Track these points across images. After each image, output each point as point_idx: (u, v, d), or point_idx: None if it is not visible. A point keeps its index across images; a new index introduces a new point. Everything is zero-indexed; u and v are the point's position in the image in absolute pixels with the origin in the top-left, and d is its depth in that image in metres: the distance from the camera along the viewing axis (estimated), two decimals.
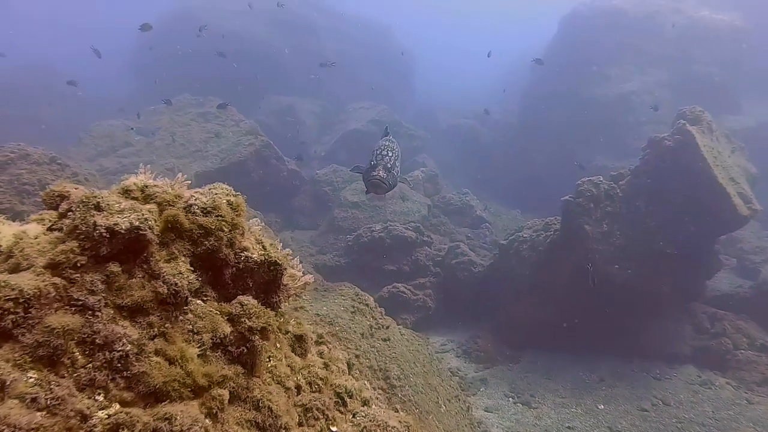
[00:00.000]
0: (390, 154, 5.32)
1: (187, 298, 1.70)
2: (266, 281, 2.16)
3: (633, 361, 10.42)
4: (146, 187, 1.94)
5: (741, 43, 19.54)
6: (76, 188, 1.72)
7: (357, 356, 5.48)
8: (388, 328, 6.20)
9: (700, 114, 10.63)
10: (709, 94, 17.40)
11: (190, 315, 1.73)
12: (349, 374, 2.92)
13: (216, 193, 2.06)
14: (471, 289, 12.11)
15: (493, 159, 22.65)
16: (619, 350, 10.47)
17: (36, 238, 1.55)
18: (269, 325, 1.88)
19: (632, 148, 14.45)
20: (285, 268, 2.24)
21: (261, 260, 2.08)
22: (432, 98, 32.35)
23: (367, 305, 6.24)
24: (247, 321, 1.82)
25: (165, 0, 30.27)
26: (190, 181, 2.31)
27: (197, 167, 14.76)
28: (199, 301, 1.82)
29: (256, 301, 1.93)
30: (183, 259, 1.74)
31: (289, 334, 2.35)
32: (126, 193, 1.85)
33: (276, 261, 2.14)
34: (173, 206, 1.87)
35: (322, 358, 2.83)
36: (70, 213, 1.58)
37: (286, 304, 2.36)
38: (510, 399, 9.47)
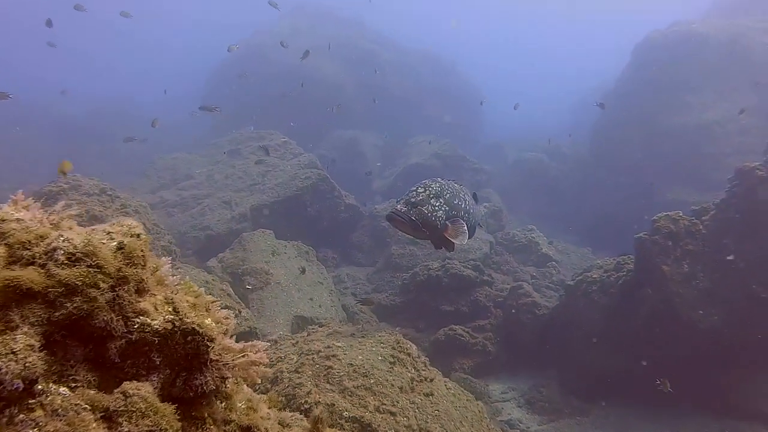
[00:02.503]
0: (421, 190, 4.78)
1: (20, 389, 1.13)
2: (185, 356, 1.54)
3: (722, 421, 9.13)
4: (2, 221, 1.38)
5: None
6: None
7: (393, 414, 4.81)
8: (432, 381, 5.50)
9: None
10: None
11: (38, 412, 1.16)
12: None
13: (107, 232, 1.49)
14: (535, 333, 11.16)
15: (563, 193, 21.59)
16: (706, 407, 9.21)
17: None
18: (161, 428, 1.27)
19: (715, 181, 13.23)
20: (213, 338, 1.61)
21: (166, 329, 1.46)
22: (500, 131, 31.60)
23: (408, 355, 5.57)
24: (125, 424, 1.22)
25: (238, 37, 31.35)
26: (74, 212, 1.75)
27: (254, 200, 14.58)
28: (63, 390, 1.25)
29: (151, 389, 1.33)
30: (28, 329, 1.18)
31: (232, 424, 1.72)
32: None
33: (193, 329, 1.52)
34: (29, 250, 1.32)
35: None
36: None
37: (228, 385, 1.72)
38: None
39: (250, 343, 1.76)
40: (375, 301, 12.21)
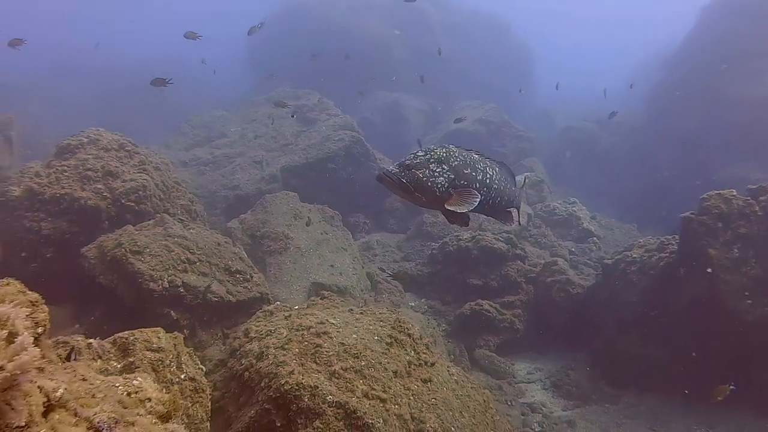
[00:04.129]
0: (421, 154, 4.31)
1: None
2: None
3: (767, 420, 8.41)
4: None
5: None
6: None
7: (383, 401, 4.39)
8: (432, 365, 5.04)
9: None
10: None
11: None
12: None
13: None
14: (567, 313, 10.54)
15: (612, 165, 20.44)
16: (749, 404, 8.45)
17: None
18: None
19: None
20: None
21: None
22: (551, 99, 30.21)
23: (409, 335, 5.11)
24: None
25: None
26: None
27: (284, 161, 14.25)
28: None
29: None
30: None
31: None
32: None
33: None
34: None
35: None
36: None
37: None
38: None
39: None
40: (406, 277, 11.70)
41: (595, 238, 13.68)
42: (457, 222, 4.77)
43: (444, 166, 4.32)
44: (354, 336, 4.83)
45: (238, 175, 14.11)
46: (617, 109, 21.37)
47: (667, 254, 9.23)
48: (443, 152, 4.40)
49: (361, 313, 5.36)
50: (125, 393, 1.88)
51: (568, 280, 10.67)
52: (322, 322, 4.94)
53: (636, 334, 9.30)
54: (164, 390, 2.39)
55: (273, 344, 4.76)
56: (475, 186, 4.55)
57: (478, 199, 4.45)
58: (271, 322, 5.27)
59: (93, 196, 8.11)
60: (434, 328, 9.89)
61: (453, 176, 4.37)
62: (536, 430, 8.36)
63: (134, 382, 2.01)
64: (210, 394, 5.11)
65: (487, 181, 4.63)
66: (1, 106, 22.84)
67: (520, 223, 5.44)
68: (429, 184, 4.18)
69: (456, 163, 4.44)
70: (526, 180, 13.32)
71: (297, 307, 5.75)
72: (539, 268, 11.25)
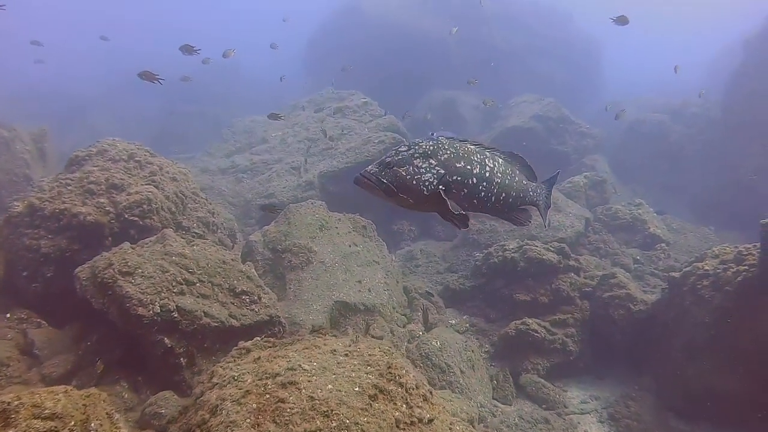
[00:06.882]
0: (403, 149, 3.71)
1: None
2: None
3: None
4: None
5: None
6: None
7: None
8: (430, 423, 4.07)
9: None
10: None
11: None
12: None
13: None
14: (628, 333, 9.25)
15: (686, 161, 18.51)
16: None
17: None
18: None
19: None
20: None
21: None
22: (619, 92, 28.24)
23: (400, 385, 4.15)
24: None
25: None
26: None
27: (323, 166, 13.51)
28: None
29: None
30: None
31: None
32: None
33: None
34: None
35: None
36: None
37: None
38: None
39: None
40: (435, 301, 10.64)
41: (663, 244, 12.18)
42: (453, 222, 4.04)
43: (431, 160, 3.61)
44: (329, 387, 3.94)
45: (275, 182, 13.50)
46: (694, 98, 19.47)
47: (746, 267, 7.81)
48: (430, 146, 3.69)
49: (346, 354, 4.44)
50: None
51: (629, 296, 9.37)
52: (292, 368, 4.08)
53: (709, 361, 7.94)
54: None
55: (230, 396, 3.93)
56: (472, 181, 3.83)
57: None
58: (239, 365, 4.44)
59: (94, 211, 7.56)
60: (473, 351, 8.83)
61: (443, 171, 3.67)
62: None
63: None
64: None
65: (487, 174, 3.89)
66: (63, 117, 23.49)
67: (547, 225, 4.63)
68: (414, 182, 3.50)
69: (445, 156, 3.73)
70: (586, 180, 11.70)
71: (275, 345, 4.89)
72: (596, 281, 9.98)
